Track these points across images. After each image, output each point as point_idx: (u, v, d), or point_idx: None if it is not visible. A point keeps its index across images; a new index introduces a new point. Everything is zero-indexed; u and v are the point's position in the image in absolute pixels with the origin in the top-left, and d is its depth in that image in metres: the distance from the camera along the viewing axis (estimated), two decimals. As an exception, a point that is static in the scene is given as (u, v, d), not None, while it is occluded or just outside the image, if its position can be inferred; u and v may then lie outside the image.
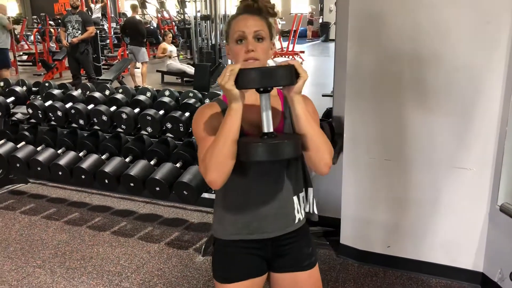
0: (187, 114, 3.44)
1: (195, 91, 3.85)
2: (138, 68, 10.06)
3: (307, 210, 1.60)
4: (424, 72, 2.64)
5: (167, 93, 3.87)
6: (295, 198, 1.54)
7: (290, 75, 1.30)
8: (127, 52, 10.41)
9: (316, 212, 1.62)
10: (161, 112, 3.54)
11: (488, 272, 2.74)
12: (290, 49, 14.25)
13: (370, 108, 2.83)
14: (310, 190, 1.60)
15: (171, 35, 10.86)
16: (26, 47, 15.45)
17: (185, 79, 10.24)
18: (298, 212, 1.55)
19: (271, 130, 1.33)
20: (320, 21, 22.02)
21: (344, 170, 3.02)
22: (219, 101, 1.50)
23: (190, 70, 9.85)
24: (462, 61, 2.55)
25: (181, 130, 3.39)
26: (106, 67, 11.02)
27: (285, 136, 1.42)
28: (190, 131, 3.40)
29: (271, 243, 1.53)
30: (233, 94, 1.30)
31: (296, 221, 1.54)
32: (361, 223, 3.04)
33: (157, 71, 10.67)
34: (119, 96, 3.81)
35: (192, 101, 3.56)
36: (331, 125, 3.20)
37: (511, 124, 2.49)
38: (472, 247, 2.77)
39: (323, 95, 7.60)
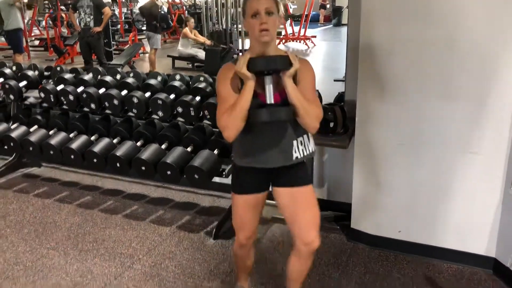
0: (197, 98, 3.43)
1: (206, 75, 3.84)
2: (147, 53, 10.05)
3: (307, 152, 2.08)
4: (438, 56, 2.59)
5: (178, 77, 3.86)
6: (294, 142, 2.03)
7: (285, 63, 1.85)
8: (145, 38, 10.36)
9: (312, 150, 2.12)
10: (172, 96, 3.54)
11: (501, 257, 2.72)
12: (302, 33, 14.09)
13: (383, 92, 2.79)
14: (305, 135, 2.08)
15: (192, 20, 10.74)
16: (37, 32, 15.50)
17: (196, 64, 10.21)
18: (295, 152, 2.04)
19: (272, 101, 1.89)
20: (332, 5, 21.72)
21: (356, 154, 3.00)
22: (235, 62, 1.93)
23: (202, 54, 9.81)
24: (478, 44, 2.50)
25: (192, 114, 3.39)
26: (117, 52, 11.02)
27: (281, 106, 1.91)
28: (201, 115, 3.40)
29: (272, 171, 2.07)
30: (246, 76, 1.85)
31: (294, 158, 2.04)
32: (372, 207, 3.03)
33: (168, 56, 10.65)
34: (130, 80, 3.82)
35: (202, 85, 3.55)
36: (343, 109, 3.17)
37: (526, 108, 2.45)
38: (485, 233, 2.75)
39: (334, 80, 7.51)
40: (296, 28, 14.45)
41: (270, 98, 1.88)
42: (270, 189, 2.18)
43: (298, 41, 14.01)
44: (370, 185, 3.00)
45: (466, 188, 2.73)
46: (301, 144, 2.05)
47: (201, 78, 3.75)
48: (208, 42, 10.15)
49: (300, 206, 2.10)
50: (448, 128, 2.67)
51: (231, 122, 1.89)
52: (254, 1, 1.87)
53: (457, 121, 2.64)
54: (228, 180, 3.46)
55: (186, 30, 10.22)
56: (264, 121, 1.87)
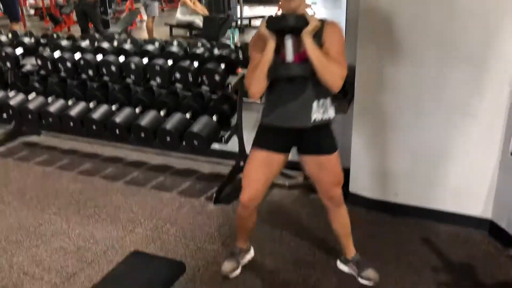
0: (195, 64, 3.40)
1: (204, 40, 3.80)
2: (145, 21, 9.89)
3: (326, 116, 2.15)
4: (438, 18, 2.56)
5: (175, 43, 3.82)
6: (314, 103, 2.11)
7: (301, 21, 1.95)
8: (142, 6, 10.15)
9: (331, 116, 2.20)
10: (170, 62, 3.51)
11: (497, 219, 2.76)
12: (301, 0, 13.83)
13: (382, 56, 2.77)
14: (328, 99, 2.16)
15: None
16: (32, 2, 15.22)
17: (193, 32, 10.07)
18: (314, 114, 2.11)
19: (291, 59, 2.01)
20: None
21: (355, 119, 3.01)
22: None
23: (199, 22, 9.67)
24: (478, 6, 2.46)
25: (190, 80, 3.37)
26: (114, 21, 10.86)
27: (296, 63, 2.01)
28: (199, 81, 3.38)
29: (295, 131, 2.17)
30: (266, 36, 2.01)
31: (312, 120, 2.12)
32: (370, 171, 3.06)
33: (165, 24, 10.49)
34: (127, 46, 3.78)
35: (200, 50, 3.52)
36: (342, 74, 3.15)
37: (526, 71, 2.44)
38: (481, 195, 2.78)
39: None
40: (296, -5, 14.19)
41: (289, 56, 1.99)
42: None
43: (297, 8, 13.78)
44: (369, 150, 3.01)
45: (464, 151, 2.74)
46: (321, 106, 2.13)
47: (199, 44, 3.72)
48: (206, 12, 9.98)
49: (325, 171, 2.26)
50: (447, 92, 2.66)
51: (253, 79, 2.06)
52: None
53: (457, 85, 2.63)
54: (227, 147, 3.49)
55: None
56: (281, 76, 2.01)
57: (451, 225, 2.90)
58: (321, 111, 2.13)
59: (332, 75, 1.99)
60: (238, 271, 2.50)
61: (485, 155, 2.70)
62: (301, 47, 2.03)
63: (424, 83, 2.70)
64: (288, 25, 1.96)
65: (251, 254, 2.62)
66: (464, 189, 2.83)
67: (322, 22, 2.06)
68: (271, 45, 2.01)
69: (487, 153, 2.69)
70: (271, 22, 2.00)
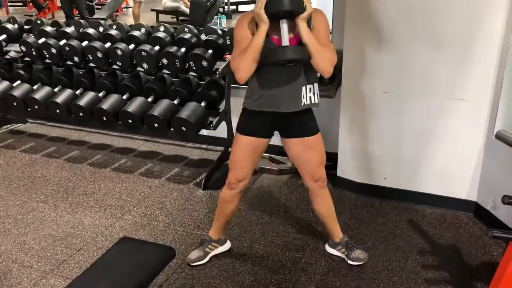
0: (183, 49, 3.38)
1: (191, 26, 3.76)
2: (131, 7, 9.76)
3: (314, 101, 2.17)
4: (424, 2, 2.56)
5: (162, 28, 3.79)
6: (303, 87, 2.12)
7: (297, 5, 1.92)
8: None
9: (318, 101, 2.20)
10: (157, 48, 3.48)
11: (481, 201, 2.81)
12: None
13: (369, 41, 2.78)
14: (315, 84, 2.17)
15: None
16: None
17: (180, 18, 9.97)
18: (304, 98, 2.13)
19: (287, 43, 1.97)
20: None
21: (342, 104, 3.02)
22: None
23: (185, 8, 9.59)
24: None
25: (177, 66, 3.34)
26: (99, 6, 10.70)
27: (293, 46, 2.00)
28: (186, 67, 3.36)
29: (282, 116, 2.16)
30: (262, 18, 1.95)
31: (302, 104, 2.13)
32: (358, 156, 3.08)
33: (152, 10, 10.37)
34: (113, 32, 3.73)
35: (187, 36, 3.49)
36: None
37: (511, 55, 2.46)
38: (467, 177, 2.83)
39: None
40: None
41: (285, 40, 1.97)
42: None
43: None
44: (356, 134, 3.03)
45: (450, 134, 2.77)
46: (310, 91, 2.15)
47: (186, 29, 3.68)
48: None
49: (310, 153, 2.28)
50: (434, 76, 2.68)
51: (242, 63, 2.01)
52: None
53: (443, 69, 2.65)
54: (215, 133, 3.48)
55: None
56: (278, 59, 1.96)
57: (438, 207, 2.95)
58: (310, 96, 2.15)
59: (325, 60, 2.01)
60: (203, 261, 2.47)
61: (470, 138, 2.74)
62: (293, 31, 2.03)
63: (410, 67, 2.72)
64: (287, 9, 1.91)
65: (225, 247, 2.58)
66: (450, 172, 2.86)
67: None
68: (264, 28, 1.98)
69: (472, 136, 2.73)
70: (270, 4, 1.93)
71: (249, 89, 2.22)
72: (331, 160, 3.27)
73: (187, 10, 9.30)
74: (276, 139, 2.34)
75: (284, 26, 1.97)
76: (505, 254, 1.91)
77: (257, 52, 1.99)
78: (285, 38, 1.97)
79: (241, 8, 11.05)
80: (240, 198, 2.43)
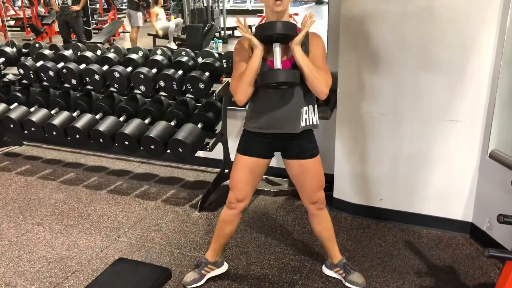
0: (180, 72, 3.41)
1: (188, 49, 3.81)
2: (128, 32, 9.88)
3: (312, 122, 2.20)
4: (417, 26, 2.63)
5: (159, 52, 3.83)
6: (302, 109, 2.15)
7: (291, 28, 1.98)
8: (125, 16, 10.15)
9: (317, 122, 2.24)
10: (154, 70, 3.52)
11: (477, 222, 2.81)
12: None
13: (364, 64, 2.82)
14: (314, 106, 2.22)
15: None
16: (13, 12, 15.08)
17: (177, 42, 10.11)
18: (302, 120, 2.16)
19: (279, 66, 2.02)
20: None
21: (338, 125, 3.05)
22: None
23: (173, 25, 9.74)
24: (456, 13, 2.54)
25: (174, 88, 3.37)
26: (96, 31, 10.83)
27: (284, 70, 2.03)
28: (183, 89, 3.40)
29: (281, 137, 2.21)
30: (253, 43, 2.04)
31: (300, 126, 2.17)
32: (354, 177, 3.09)
33: (148, 34, 10.50)
34: (111, 55, 3.77)
35: (185, 59, 3.53)
36: (325, 81, 3.20)
37: (502, 77, 2.51)
38: (462, 199, 2.84)
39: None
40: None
41: (277, 63, 2.02)
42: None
43: (280, 19, 13.90)
44: (352, 155, 3.05)
45: (445, 156, 2.80)
46: (307, 113, 2.18)
47: (183, 53, 3.73)
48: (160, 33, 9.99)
49: (309, 175, 2.29)
50: (428, 97, 2.72)
51: (239, 86, 2.07)
52: None
53: (436, 91, 2.69)
54: (212, 155, 3.50)
55: (155, 9, 10.00)
56: (270, 82, 2.01)
57: (434, 228, 2.95)
58: (309, 117, 2.19)
59: (320, 82, 2.05)
60: (199, 283, 2.46)
61: (465, 159, 2.76)
62: (286, 54, 2.09)
63: (404, 89, 2.76)
64: (280, 32, 1.97)
65: (222, 269, 2.56)
66: (445, 194, 2.88)
67: (306, 32, 2.10)
68: (258, 52, 2.03)
69: (467, 157, 2.75)
70: (261, 29, 2.02)
71: (249, 110, 2.26)
72: (328, 181, 3.25)
73: (173, 27, 9.46)
74: (272, 160, 2.35)
75: (277, 49, 2.02)
76: (502, 274, 1.92)
77: (252, 75, 2.05)
78: (278, 61, 2.03)
79: (237, 33, 11.22)
80: (239, 220, 2.43)
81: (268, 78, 2.02)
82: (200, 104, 3.56)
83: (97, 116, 3.61)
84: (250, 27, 2.29)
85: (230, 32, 11.09)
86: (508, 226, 2.09)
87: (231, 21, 11.44)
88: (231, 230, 2.44)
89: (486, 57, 2.55)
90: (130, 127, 3.33)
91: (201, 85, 3.25)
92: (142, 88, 3.48)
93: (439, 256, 2.70)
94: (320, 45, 2.14)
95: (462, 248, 2.78)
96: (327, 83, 2.07)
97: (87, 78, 3.65)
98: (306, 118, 2.17)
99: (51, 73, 3.78)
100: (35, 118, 3.66)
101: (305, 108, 2.17)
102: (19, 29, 13.01)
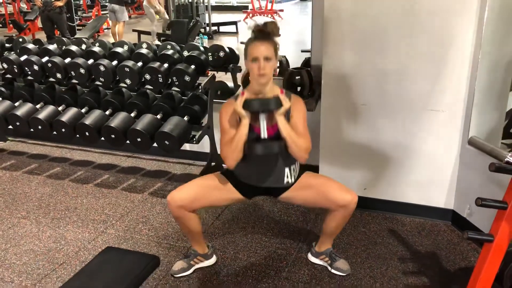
0: (165, 65, 3.43)
1: (173, 43, 3.82)
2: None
3: (296, 176, 2.36)
4: (398, 18, 2.68)
5: (144, 45, 3.84)
6: (286, 169, 2.31)
7: (276, 104, 2.11)
8: (108, 11, 10.06)
9: (292, 181, 2.36)
10: (139, 63, 3.52)
11: (458, 209, 2.89)
12: (269, 8, 14.02)
13: (347, 55, 2.87)
14: (297, 163, 2.36)
15: None
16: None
17: (162, 38, 10.06)
18: (287, 177, 2.33)
19: (265, 136, 2.19)
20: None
21: (322, 117, 3.09)
22: (236, 98, 2.19)
23: (155, 29, 9.71)
24: (437, 5, 2.60)
25: (160, 81, 3.39)
26: (80, 27, 10.73)
27: (273, 140, 2.20)
28: (169, 82, 3.41)
29: (264, 189, 2.37)
30: (242, 115, 2.14)
31: (285, 182, 2.34)
32: (338, 167, 3.15)
33: (133, 30, 10.44)
34: (96, 49, 3.77)
35: (170, 52, 3.54)
36: (310, 74, 3.25)
37: (481, 67, 2.58)
38: (444, 187, 2.91)
39: (302, 51, 7.57)
40: (263, 3, 14.36)
41: (264, 133, 2.19)
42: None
43: (265, 15, 13.95)
44: (336, 146, 3.11)
45: (427, 145, 2.87)
46: (293, 170, 2.33)
47: (169, 46, 3.74)
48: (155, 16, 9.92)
49: (317, 185, 2.33)
50: (409, 88, 2.78)
51: (230, 153, 2.18)
52: (255, 48, 2.12)
53: (418, 81, 2.76)
54: (198, 148, 3.52)
55: None
56: (259, 154, 2.16)
57: (417, 216, 3.02)
58: (292, 174, 2.33)
59: (300, 149, 2.17)
60: (187, 273, 2.49)
61: (446, 148, 2.83)
62: (272, 121, 2.20)
63: (387, 80, 2.82)
64: (268, 108, 2.13)
65: (210, 261, 2.58)
66: (428, 182, 2.95)
67: (289, 95, 2.24)
68: (246, 123, 2.15)
69: (448, 146, 2.82)
70: (250, 105, 2.13)
71: (235, 168, 2.27)
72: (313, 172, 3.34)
73: (155, 30, 9.44)
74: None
75: (262, 121, 2.18)
76: (480, 256, 1.98)
77: (242, 144, 2.16)
78: (264, 131, 2.18)
79: (222, 29, 11.22)
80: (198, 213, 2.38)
81: (256, 150, 2.16)
82: (186, 97, 3.58)
83: (83, 110, 3.61)
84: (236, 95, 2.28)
85: (215, 28, 11.08)
86: (487, 212, 2.17)
87: (216, 17, 11.44)
88: (192, 225, 2.37)
89: (465, 48, 2.62)
90: (116, 121, 3.33)
91: (187, 78, 3.28)
92: (128, 81, 3.49)
93: (421, 242, 2.77)
94: (302, 110, 2.25)
95: (443, 235, 2.85)
96: (306, 149, 2.19)
97: (72, 72, 3.65)
98: (290, 175, 2.32)
99: (35, 67, 3.76)
100: (19, 112, 3.64)
101: (289, 167, 2.31)
102: (0, 25, 12.82)
